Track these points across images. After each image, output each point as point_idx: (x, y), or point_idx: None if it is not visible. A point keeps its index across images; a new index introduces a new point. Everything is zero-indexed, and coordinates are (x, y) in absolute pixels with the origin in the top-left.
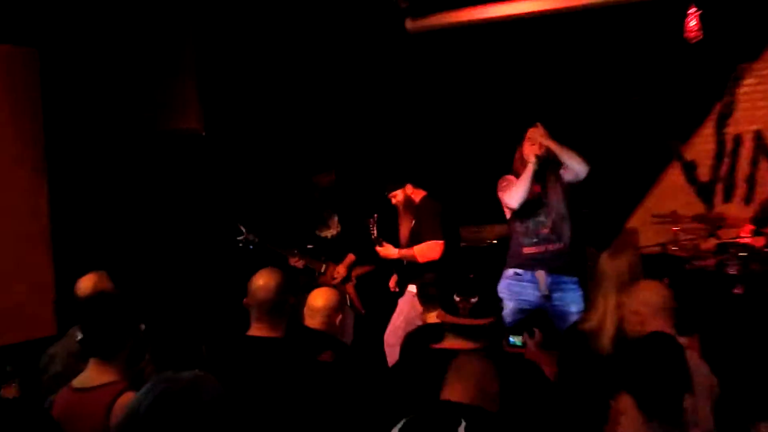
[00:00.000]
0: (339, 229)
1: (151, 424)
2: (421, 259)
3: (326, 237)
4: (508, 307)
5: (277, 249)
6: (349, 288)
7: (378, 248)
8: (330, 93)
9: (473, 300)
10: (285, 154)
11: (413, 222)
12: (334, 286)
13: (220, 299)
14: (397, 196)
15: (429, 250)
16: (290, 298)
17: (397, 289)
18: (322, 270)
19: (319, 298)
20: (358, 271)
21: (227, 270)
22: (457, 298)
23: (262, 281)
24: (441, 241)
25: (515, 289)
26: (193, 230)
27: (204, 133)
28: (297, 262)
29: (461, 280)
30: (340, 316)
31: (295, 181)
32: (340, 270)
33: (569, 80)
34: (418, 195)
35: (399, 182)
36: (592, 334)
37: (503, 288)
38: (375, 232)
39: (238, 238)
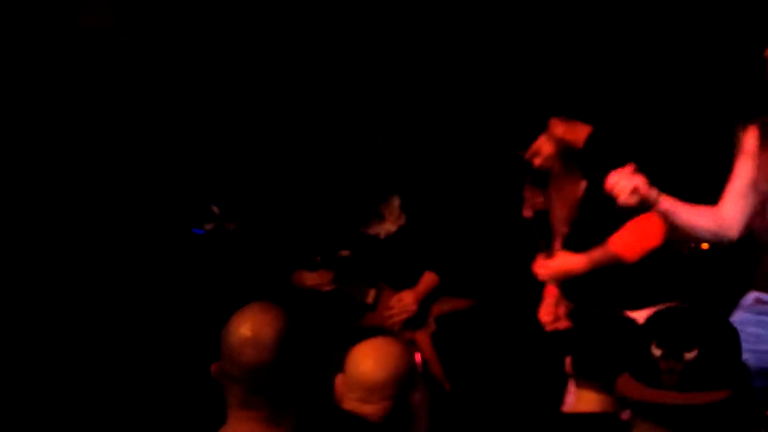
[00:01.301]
0: (402, 222)
1: None
2: (630, 256)
3: (377, 236)
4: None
5: (280, 256)
6: (423, 339)
7: (542, 261)
8: None
9: (690, 355)
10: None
11: (582, 184)
12: (394, 333)
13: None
14: (543, 150)
15: (643, 233)
16: (306, 359)
17: None
18: (370, 299)
19: (376, 363)
20: (442, 306)
21: (177, 284)
22: (658, 352)
23: (250, 331)
24: None
25: (752, 330)
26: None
27: (126, 37)
28: (320, 283)
29: (664, 315)
30: (417, 396)
31: (316, 132)
32: (407, 301)
33: None
34: (579, 132)
35: (530, 125)
36: None
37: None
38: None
39: (206, 227)
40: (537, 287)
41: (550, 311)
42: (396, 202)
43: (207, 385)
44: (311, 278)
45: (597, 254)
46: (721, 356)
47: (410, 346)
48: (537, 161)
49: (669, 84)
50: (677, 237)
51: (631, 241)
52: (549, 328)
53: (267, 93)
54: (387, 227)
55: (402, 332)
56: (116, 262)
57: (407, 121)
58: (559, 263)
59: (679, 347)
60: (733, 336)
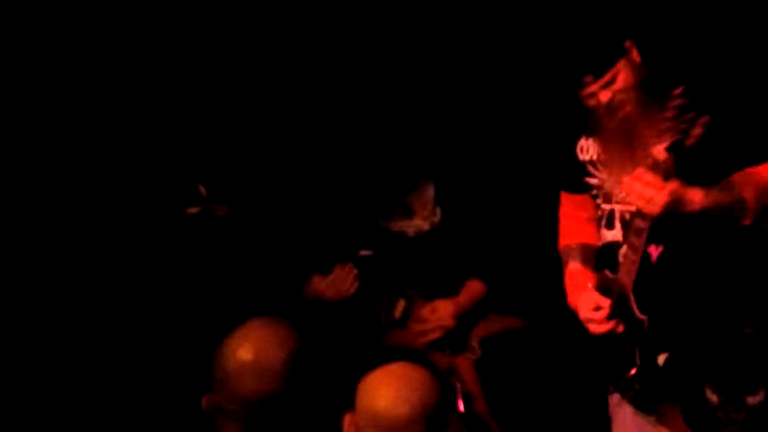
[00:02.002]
0: (436, 217)
1: None
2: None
3: (405, 233)
4: None
5: (285, 256)
6: (464, 367)
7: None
8: None
9: (754, 400)
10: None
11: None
12: (427, 357)
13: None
14: (619, 79)
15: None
16: (319, 389)
17: None
18: (398, 313)
19: (396, 396)
20: (490, 325)
21: (153, 292)
22: (715, 398)
23: (251, 353)
24: None
25: None
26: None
27: None
28: (334, 292)
29: (716, 349)
30: None
31: (329, 101)
32: (443, 313)
33: None
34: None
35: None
36: None
37: None
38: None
39: (190, 211)
40: None
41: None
42: (429, 191)
43: (195, 423)
44: (323, 286)
45: (718, 194)
46: None
47: (448, 376)
48: (604, 97)
49: None
50: None
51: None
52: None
53: (271, 65)
54: (417, 223)
55: (437, 356)
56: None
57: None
58: (674, 187)
59: (740, 391)
60: None
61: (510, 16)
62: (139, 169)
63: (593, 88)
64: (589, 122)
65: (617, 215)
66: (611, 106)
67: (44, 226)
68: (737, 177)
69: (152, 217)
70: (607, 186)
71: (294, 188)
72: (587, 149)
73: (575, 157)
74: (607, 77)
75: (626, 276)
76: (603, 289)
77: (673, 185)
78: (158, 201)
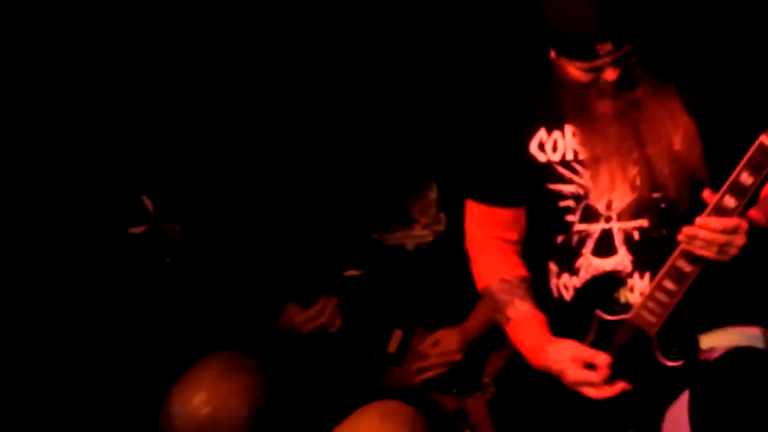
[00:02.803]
0: (441, 226)
1: None
2: None
3: (403, 247)
4: None
5: (253, 279)
6: (476, 409)
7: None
8: None
9: None
10: None
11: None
12: (428, 399)
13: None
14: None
15: None
16: None
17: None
18: (393, 346)
19: None
20: (506, 358)
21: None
22: None
23: (206, 407)
24: None
25: None
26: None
27: None
28: (316, 322)
29: None
30: None
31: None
32: (448, 346)
33: None
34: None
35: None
36: None
37: None
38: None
39: (134, 230)
40: None
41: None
42: (432, 195)
43: None
44: (301, 319)
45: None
46: None
47: (456, 420)
48: (611, 74)
49: None
50: None
51: None
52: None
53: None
54: (418, 234)
55: (442, 397)
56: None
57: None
58: (746, 224)
59: None
60: None
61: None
62: (73, 182)
63: (602, 62)
64: (565, 108)
65: (617, 236)
66: (616, 87)
67: None
68: None
69: (90, 238)
70: (595, 193)
71: (263, 196)
72: (554, 146)
73: (509, 156)
74: (623, 51)
75: (651, 317)
76: (592, 337)
77: (744, 222)
78: (97, 218)
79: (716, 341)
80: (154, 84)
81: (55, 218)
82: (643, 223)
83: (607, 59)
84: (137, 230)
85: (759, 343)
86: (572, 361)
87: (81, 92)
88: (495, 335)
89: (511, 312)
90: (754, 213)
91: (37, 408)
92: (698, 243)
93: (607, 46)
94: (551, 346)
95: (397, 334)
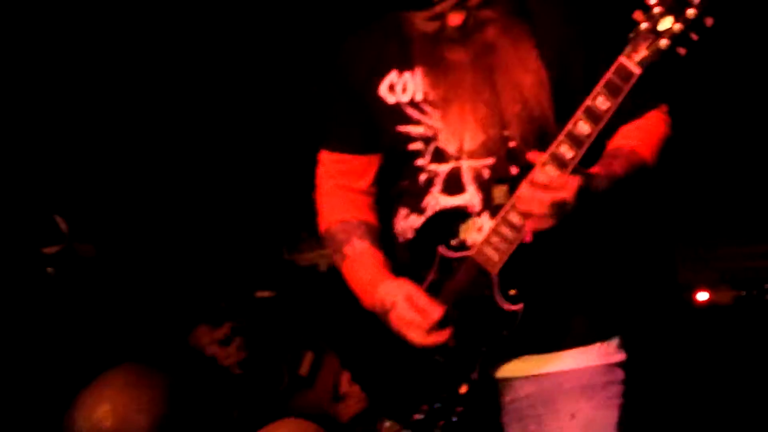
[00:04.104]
0: None
1: None
2: (652, 159)
3: (316, 267)
4: None
5: (164, 299)
6: None
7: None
8: None
9: None
10: None
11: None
12: (328, 421)
13: None
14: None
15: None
16: None
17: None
18: (304, 369)
19: None
20: None
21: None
22: None
23: (108, 420)
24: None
25: None
26: None
27: None
28: (226, 344)
29: None
30: None
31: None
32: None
33: None
34: None
35: None
36: None
37: None
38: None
39: (47, 251)
40: None
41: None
42: None
43: None
44: (213, 337)
45: (619, 163)
46: None
47: None
48: (455, 19)
49: None
50: None
51: (652, 140)
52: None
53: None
54: (330, 253)
55: (358, 422)
56: None
57: None
58: (579, 183)
59: None
60: None
61: None
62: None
63: (442, 6)
64: (416, 53)
65: (467, 173)
66: (463, 32)
67: None
68: (618, 143)
69: (2, 256)
70: (446, 134)
71: (176, 216)
72: (404, 87)
73: (359, 100)
74: None
75: (494, 254)
76: (433, 276)
77: (576, 181)
78: (10, 237)
79: (570, 363)
80: (69, 104)
81: None
82: (491, 161)
83: (445, 5)
84: (50, 250)
85: (618, 354)
86: (404, 299)
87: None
88: None
89: (347, 249)
90: (591, 175)
91: None
92: (528, 202)
93: None
94: (384, 283)
95: (309, 356)
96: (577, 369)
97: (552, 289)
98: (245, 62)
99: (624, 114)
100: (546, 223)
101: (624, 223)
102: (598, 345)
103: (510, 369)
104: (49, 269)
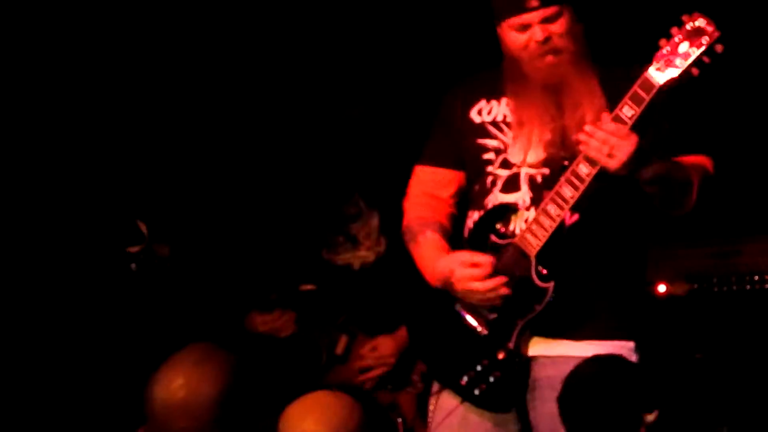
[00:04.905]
0: (382, 248)
1: None
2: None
3: (350, 266)
4: None
5: (224, 290)
6: (406, 400)
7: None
8: None
9: None
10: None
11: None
12: (367, 394)
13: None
14: (559, 25)
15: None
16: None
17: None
18: (340, 349)
19: (319, 419)
20: None
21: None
22: None
23: (183, 389)
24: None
25: None
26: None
27: None
28: (275, 327)
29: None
30: None
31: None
32: (384, 350)
33: None
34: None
35: None
36: None
37: None
38: None
39: (131, 250)
40: None
41: None
42: (374, 222)
43: None
44: (264, 321)
45: (672, 165)
46: None
47: (390, 411)
48: (541, 33)
49: None
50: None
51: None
52: None
53: (200, 90)
54: (362, 255)
55: (379, 392)
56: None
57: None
58: (638, 139)
59: None
60: None
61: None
62: (80, 207)
63: (530, 17)
64: (506, 75)
65: (523, 177)
66: (543, 50)
67: None
68: (683, 159)
69: (94, 254)
70: (514, 149)
71: (235, 223)
72: (489, 111)
73: (454, 123)
74: (550, 11)
75: (533, 239)
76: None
77: (635, 135)
78: (100, 239)
79: (589, 351)
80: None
81: (68, 237)
82: (546, 172)
83: (534, 15)
84: (133, 249)
85: (631, 356)
86: (459, 263)
87: (90, 131)
88: None
89: (420, 238)
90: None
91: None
92: (593, 143)
93: (535, 2)
94: (444, 257)
95: (343, 339)
96: None
97: (579, 276)
98: (300, 78)
99: (686, 148)
100: (607, 162)
101: (640, 228)
102: (617, 342)
103: (538, 348)
104: (132, 265)
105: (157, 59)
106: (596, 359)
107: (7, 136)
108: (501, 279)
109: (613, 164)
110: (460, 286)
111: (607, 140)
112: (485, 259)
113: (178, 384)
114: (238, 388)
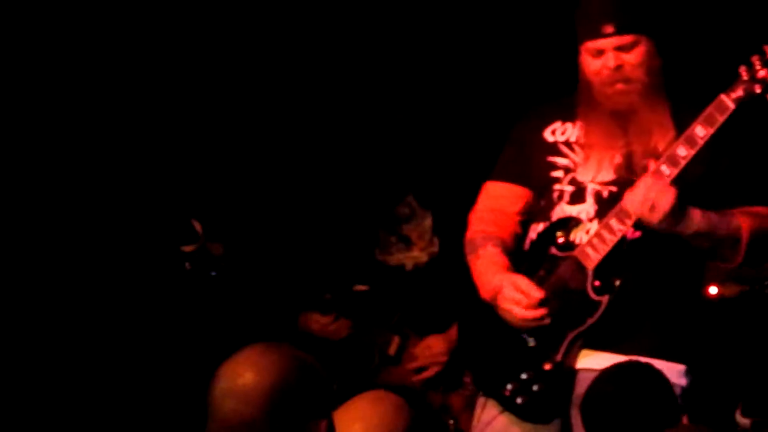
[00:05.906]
0: (435, 249)
1: None
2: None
3: (403, 267)
4: None
5: (279, 291)
6: (457, 401)
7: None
8: None
9: None
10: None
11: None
12: (419, 395)
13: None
14: (635, 55)
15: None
16: (305, 426)
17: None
18: (393, 349)
19: (371, 421)
20: None
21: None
22: (745, 422)
23: (235, 377)
24: None
25: None
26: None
27: None
28: (329, 327)
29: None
30: None
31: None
32: (437, 350)
33: None
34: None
35: None
36: None
37: None
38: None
39: (185, 249)
40: None
41: None
42: (428, 222)
43: None
44: (319, 321)
45: (716, 218)
46: None
47: (442, 413)
48: (614, 60)
49: None
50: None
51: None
52: None
53: (256, 91)
54: (415, 255)
55: (431, 393)
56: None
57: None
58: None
59: None
60: None
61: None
62: (134, 206)
63: (605, 43)
64: (579, 99)
65: (590, 191)
66: (614, 77)
67: (42, 262)
68: (733, 210)
69: (149, 253)
70: (584, 168)
71: (290, 221)
72: (563, 132)
73: (528, 141)
74: (624, 40)
75: (592, 253)
76: (541, 272)
77: (673, 189)
78: (155, 238)
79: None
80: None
81: (124, 236)
82: (614, 189)
83: (608, 42)
84: (188, 248)
85: (681, 379)
86: (510, 284)
87: (147, 140)
88: None
89: (481, 251)
90: (691, 207)
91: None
92: (635, 198)
93: (610, 28)
94: (498, 275)
95: (396, 340)
96: None
97: (635, 291)
98: (356, 80)
99: (747, 199)
100: (646, 215)
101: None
102: (667, 362)
103: (585, 360)
104: (187, 264)
105: (216, 63)
106: (619, 367)
107: (61, 136)
108: (542, 312)
109: (653, 219)
110: (503, 304)
111: (647, 195)
112: (535, 293)
113: (233, 371)
114: (292, 383)
